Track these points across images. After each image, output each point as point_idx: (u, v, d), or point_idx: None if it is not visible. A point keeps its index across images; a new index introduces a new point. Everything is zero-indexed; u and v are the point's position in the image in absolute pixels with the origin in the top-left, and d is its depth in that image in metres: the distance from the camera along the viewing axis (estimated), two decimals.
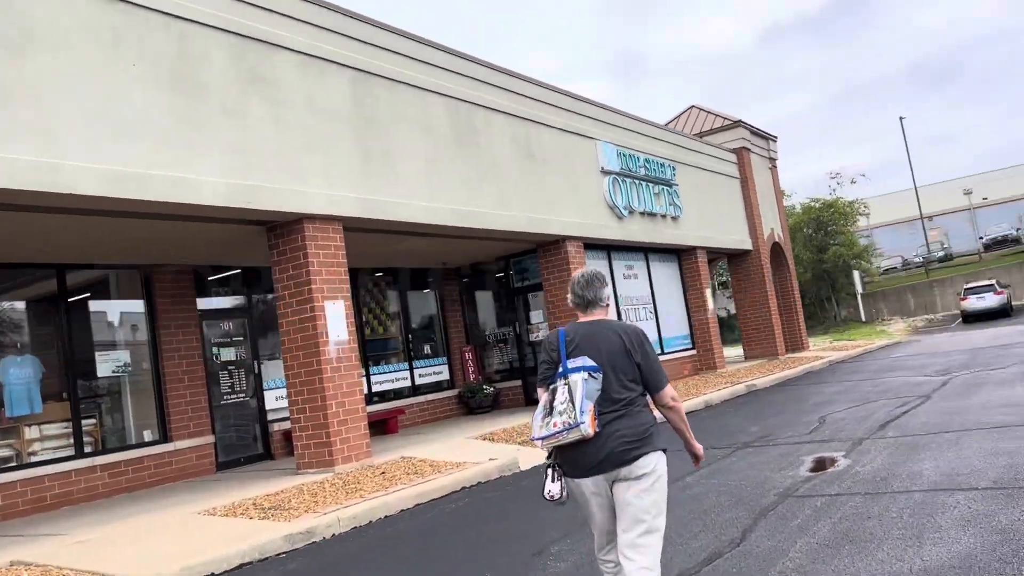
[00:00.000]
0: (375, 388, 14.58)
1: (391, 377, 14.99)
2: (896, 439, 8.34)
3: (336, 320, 9.98)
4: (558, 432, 3.39)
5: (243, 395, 12.31)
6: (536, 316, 16.47)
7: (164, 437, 11.17)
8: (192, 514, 8.02)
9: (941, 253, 54.83)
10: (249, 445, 12.32)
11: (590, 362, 3.49)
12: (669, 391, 3.70)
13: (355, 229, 10.99)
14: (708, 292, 20.30)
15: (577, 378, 3.43)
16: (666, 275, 19.82)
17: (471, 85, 13.00)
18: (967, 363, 15.73)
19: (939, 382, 13.12)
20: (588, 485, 3.51)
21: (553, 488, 3.56)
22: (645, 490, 3.48)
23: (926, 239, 54.22)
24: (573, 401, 3.37)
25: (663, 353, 18.86)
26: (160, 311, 11.33)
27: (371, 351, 14.75)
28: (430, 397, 15.67)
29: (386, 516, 7.78)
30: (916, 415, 9.84)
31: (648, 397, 3.69)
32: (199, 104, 8.78)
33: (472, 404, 15.95)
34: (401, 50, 11.58)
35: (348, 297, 10.27)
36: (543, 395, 3.58)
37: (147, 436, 11.09)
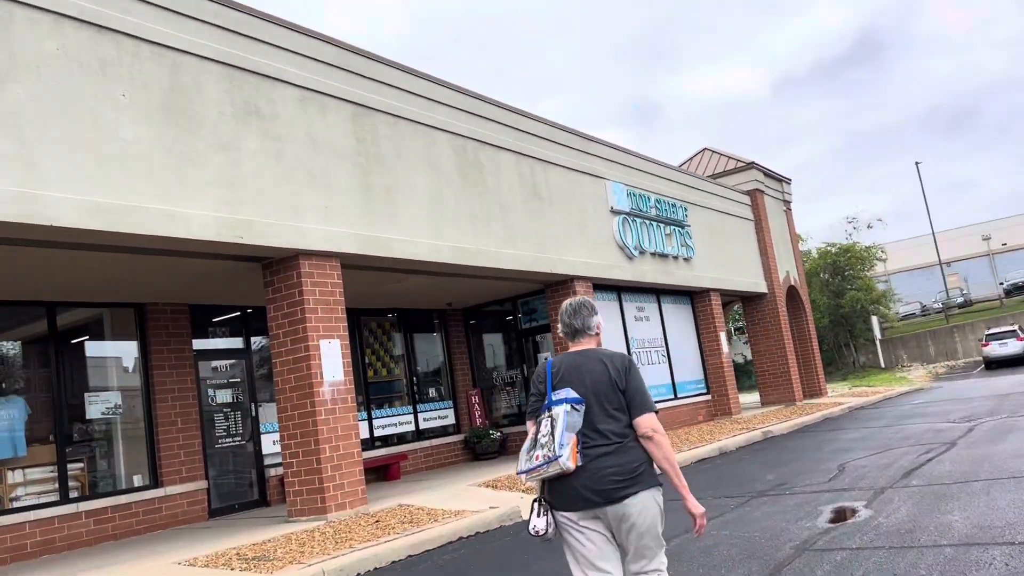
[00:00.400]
0: (377, 432, 14.14)
1: (394, 421, 14.56)
2: (921, 488, 7.81)
3: (332, 360, 9.61)
4: (539, 465, 3.31)
5: (239, 439, 11.91)
6: (542, 358, 16.05)
7: (155, 482, 10.76)
8: (172, 564, 7.58)
9: (960, 299, 53.99)
10: (244, 491, 11.88)
11: (573, 394, 3.41)
12: (649, 420, 3.43)
13: (354, 267, 10.68)
14: (723, 335, 19.81)
15: (559, 411, 3.36)
16: (679, 317, 19.38)
17: (477, 123, 12.78)
18: (993, 409, 15.11)
19: (964, 429, 12.54)
20: (573, 519, 3.39)
21: (538, 523, 3.41)
22: (640, 534, 3.36)
23: (945, 284, 53.46)
24: (553, 434, 3.31)
25: (676, 398, 18.33)
26: (154, 351, 11.00)
27: (374, 394, 14.35)
28: (435, 442, 15.19)
29: (376, 568, 7.30)
30: (941, 463, 9.29)
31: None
32: (191, 137, 8.55)
33: (478, 450, 15.45)
34: (404, 86, 11.39)
35: (345, 336, 9.91)
36: (531, 428, 3.50)
37: (137, 481, 10.68)
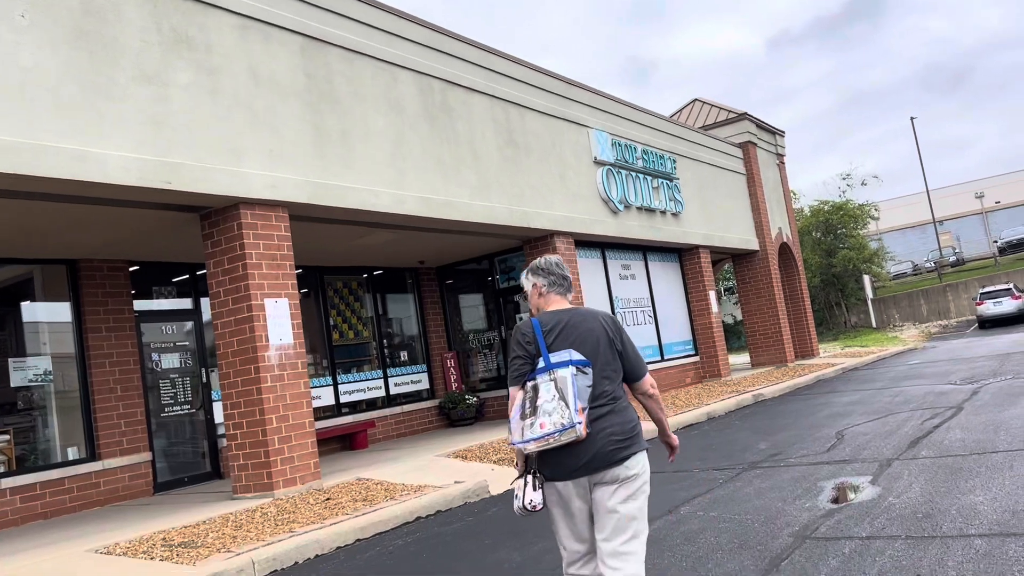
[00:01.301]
0: (344, 399, 13.24)
1: (363, 386, 13.65)
2: (933, 461, 6.96)
3: (279, 321, 8.65)
4: (549, 434, 3.02)
5: (188, 407, 10.98)
6: (521, 319, 15.14)
7: (91, 455, 9.84)
8: (86, 552, 6.68)
9: (953, 258, 53.26)
10: (195, 463, 10.99)
11: (577, 355, 3.18)
12: (649, 379, 3.46)
13: (307, 218, 9.68)
14: (712, 294, 18.93)
15: (565, 373, 3.10)
16: (666, 276, 18.45)
17: (446, 61, 11.69)
18: (995, 370, 14.32)
19: (968, 391, 11.73)
20: (571, 488, 3.17)
21: (535, 497, 3.17)
22: (632, 495, 3.18)
23: (938, 243, 52.71)
24: (565, 400, 3.04)
25: (663, 359, 17.49)
26: (88, 313, 10.01)
27: (340, 357, 13.42)
28: (407, 408, 14.31)
29: (317, 555, 6.43)
30: (950, 430, 8.46)
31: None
32: (109, 67, 7.48)
33: (453, 416, 14.60)
34: (361, 17, 10.28)
35: (295, 295, 8.95)
36: (517, 394, 3.21)
37: (72, 454, 9.76)
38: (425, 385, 14.98)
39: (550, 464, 3.16)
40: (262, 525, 7.05)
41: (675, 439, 3.64)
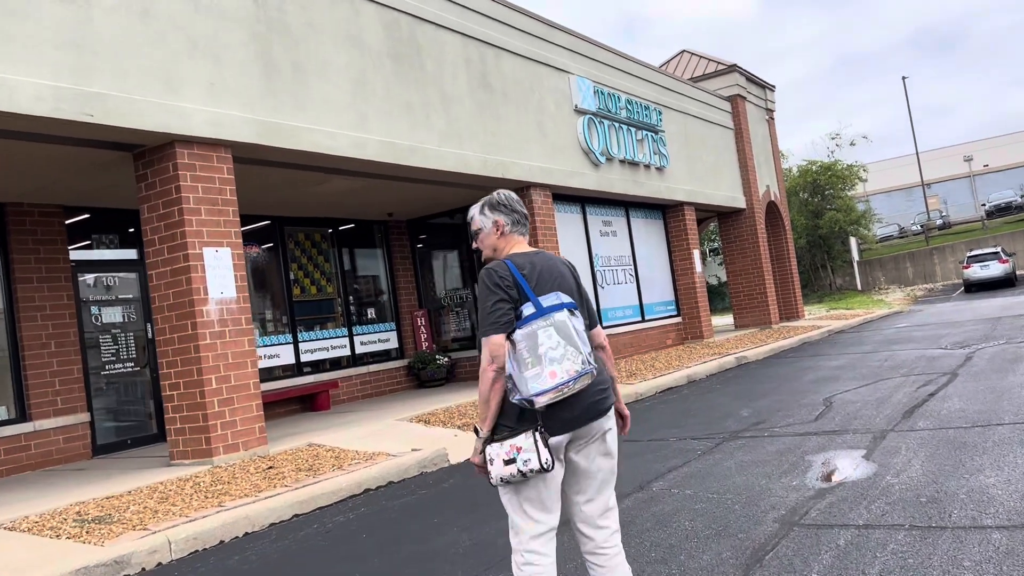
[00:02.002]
0: (305, 357, 12.50)
1: (326, 345, 12.91)
2: (932, 433, 6.33)
3: (220, 272, 7.87)
4: (563, 383, 2.72)
5: (132, 365, 10.22)
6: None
7: (21, 416, 9.09)
8: None
9: (940, 221, 52.81)
10: (140, 424, 10.26)
11: (566, 298, 2.91)
12: (601, 330, 3.17)
13: (254, 160, 8.85)
14: (696, 253, 18.24)
15: (563, 317, 2.82)
16: (649, 233, 17.72)
17: None
18: (987, 335, 13.77)
19: (961, 356, 11.15)
20: (562, 442, 2.87)
21: (546, 455, 2.76)
22: (610, 448, 2.98)
23: (926, 205, 52.23)
24: (575, 344, 2.76)
25: (643, 320, 16.84)
26: (17, 262, 9.18)
27: (301, 314, 12.66)
28: (373, 368, 13.60)
29: (246, 533, 5.75)
30: (947, 398, 7.85)
31: None
32: None
33: (423, 376, 13.92)
34: None
35: (238, 244, 8.15)
36: (502, 345, 2.81)
37: (0, 415, 9.00)
38: (394, 344, 14.26)
39: (550, 419, 2.82)
40: (191, 497, 6.35)
41: (626, 409, 3.20)
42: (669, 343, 17.47)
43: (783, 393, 9.75)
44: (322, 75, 9.24)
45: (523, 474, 2.75)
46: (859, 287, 39.98)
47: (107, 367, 9.98)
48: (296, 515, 6.11)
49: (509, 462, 2.76)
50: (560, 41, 13.92)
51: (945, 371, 9.86)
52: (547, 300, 2.86)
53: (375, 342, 13.87)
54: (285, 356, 12.15)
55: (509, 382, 2.77)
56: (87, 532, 5.57)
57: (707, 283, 23.78)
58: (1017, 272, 34.60)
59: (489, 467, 2.81)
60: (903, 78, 51.47)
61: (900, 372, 10.32)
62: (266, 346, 11.89)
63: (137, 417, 10.21)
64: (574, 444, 2.89)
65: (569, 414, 2.82)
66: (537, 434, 2.76)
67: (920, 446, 5.92)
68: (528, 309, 2.84)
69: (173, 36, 7.68)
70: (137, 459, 8.95)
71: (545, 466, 2.73)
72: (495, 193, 3.15)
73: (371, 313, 14.02)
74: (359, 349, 13.49)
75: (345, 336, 13.29)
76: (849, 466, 5.62)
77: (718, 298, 37.96)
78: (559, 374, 2.71)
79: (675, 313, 18.13)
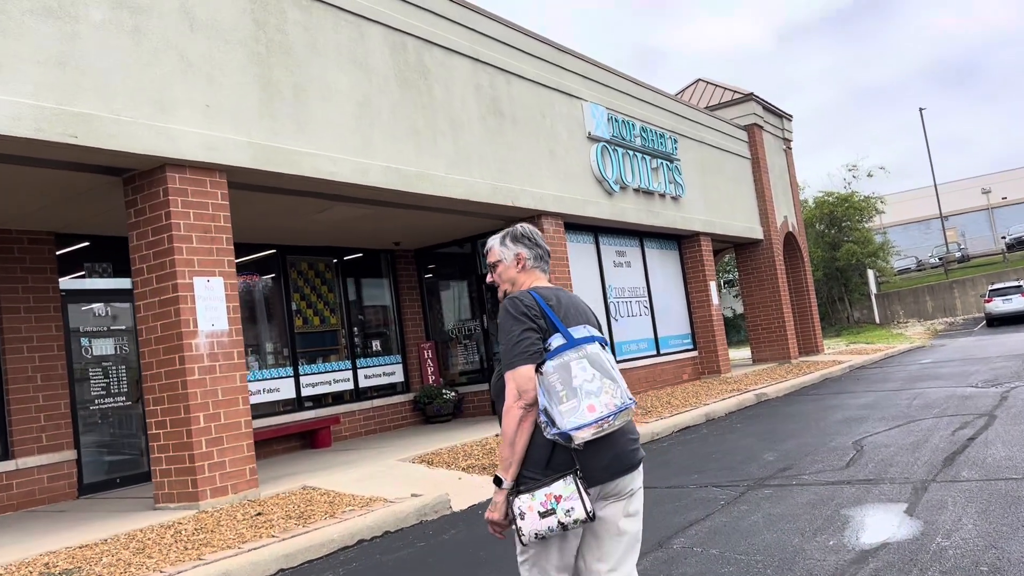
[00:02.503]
0: (306, 392, 12.02)
1: (328, 378, 12.43)
2: (980, 485, 5.77)
3: (211, 303, 7.43)
4: (603, 418, 2.44)
5: (124, 399, 9.77)
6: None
7: (4, 453, 8.63)
8: None
9: (958, 254, 52.05)
10: (131, 461, 9.78)
11: (596, 332, 2.68)
12: None
13: (251, 186, 8.45)
14: (713, 285, 17.71)
15: (596, 349, 2.58)
16: (664, 264, 17.23)
17: (421, 16, 10.43)
18: (1019, 372, 13.15)
19: (995, 396, 10.54)
20: (593, 497, 2.54)
21: (588, 504, 2.45)
22: (638, 510, 2.68)
23: (945, 237, 51.49)
24: (612, 377, 2.51)
25: (658, 354, 16.28)
26: (3, 291, 8.78)
27: (303, 346, 12.20)
28: (377, 403, 13.10)
29: None
30: (989, 444, 7.26)
31: None
32: None
33: (429, 411, 13.40)
34: None
35: (232, 273, 7.72)
36: (531, 378, 2.53)
37: None
38: (399, 378, 13.77)
39: (586, 465, 2.56)
40: (169, 548, 5.84)
41: None
42: (685, 378, 16.89)
43: (809, 435, 9.18)
44: (325, 98, 8.87)
45: (563, 526, 2.45)
46: (877, 320, 39.24)
47: (97, 401, 9.53)
48: (281, 570, 5.59)
49: (546, 514, 2.45)
50: (573, 67, 13.57)
51: (981, 412, 9.27)
52: (578, 332, 2.64)
53: (380, 375, 13.38)
54: (285, 390, 11.68)
55: (543, 416, 2.50)
56: None
57: (723, 315, 23.27)
58: None
59: (519, 522, 2.48)
60: (920, 109, 51.09)
61: (932, 412, 9.73)
62: (266, 379, 11.43)
63: (128, 454, 9.73)
64: (601, 501, 2.61)
65: (599, 463, 2.56)
66: (578, 479, 2.49)
67: (968, 500, 5.36)
68: (557, 340, 2.60)
69: (166, 55, 7.32)
70: (123, 500, 8.46)
71: (591, 515, 2.46)
72: (518, 225, 2.96)
73: (376, 345, 13.55)
74: (363, 383, 13.00)
75: (348, 369, 12.82)
76: (892, 523, 5.06)
77: (733, 331, 37.30)
78: (598, 408, 2.47)
79: (691, 347, 17.56)
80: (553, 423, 2.48)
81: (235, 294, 7.70)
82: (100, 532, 6.53)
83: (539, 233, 2.96)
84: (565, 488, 2.47)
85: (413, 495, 7.19)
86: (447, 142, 10.57)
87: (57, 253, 9.37)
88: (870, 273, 38.69)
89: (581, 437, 2.46)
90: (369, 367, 13.20)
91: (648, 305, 16.34)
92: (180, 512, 7.04)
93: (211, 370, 7.36)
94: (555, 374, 2.54)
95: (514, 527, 2.52)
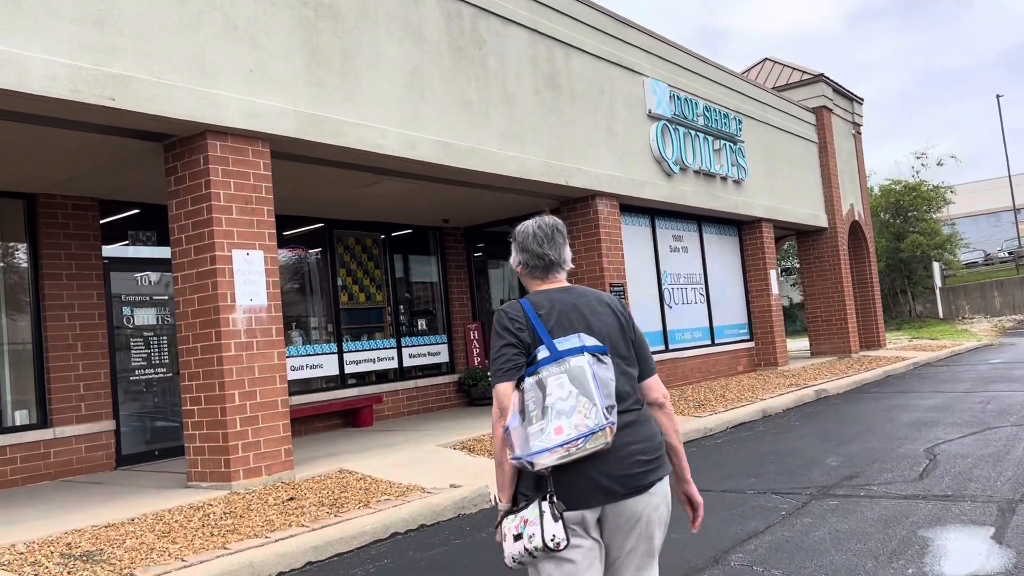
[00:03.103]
0: (349, 369, 11.78)
1: (372, 356, 12.18)
2: None
3: (250, 277, 7.15)
4: (569, 441, 2.24)
5: (164, 371, 9.62)
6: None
7: (42, 421, 8.53)
8: None
9: None
10: (170, 434, 9.63)
11: (591, 340, 2.45)
12: (659, 382, 2.65)
13: (295, 157, 8.14)
14: (773, 273, 17.01)
15: (581, 362, 2.35)
16: (723, 250, 16.58)
17: None
18: None
19: None
20: (587, 518, 2.37)
21: (556, 530, 2.27)
22: (657, 531, 2.46)
23: (1017, 230, 49.35)
24: (588, 394, 2.28)
25: (713, 344, 15.70)
26: (46, 256, 8.65)
27: (348, 323, 11.95)
28: (421, 383, 12.82)
29: None
30: None
31: None
32: None
33: (474, 394, 13.08)
34: None
35: (273, 247, 7.43)
36: (511, 394, 2.39)
37: (20, 419, 8.46)
38: (444, 358, 13.46)
39: (562, 487, 2.36)
40: (196, 533, 5.59)
41: (698, 494, 2.67)
42: (740, 369, 16.28)
43: (875, 438, 8.59)
44: (374, 67, 8.49)
45: (530, 553, 2.31)
46: (941, 315, 37.79)
47: (137, 372, 9.39)
48: (309, 563, 5.29)
49: (518, 538, 2.34)
50: (635, 41, 12.97)
51: None
52: (565, 343, 2.45)
53: (424, 355, 13.09)
54: (329, 366, 11.45)
55: (508, 439, 2.34)
56: (69, 573, 4.84)
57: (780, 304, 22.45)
58: None
59: (504, 544, 2.39)
60: (997, 96, 48.85)
61: (1010, 420, 9.06)
62: (308, 355, 11.21)
63: (167, 426, 9.59)
64: (606, 525, 2.42)
65: (588, 484, 2.36)
66: (545, 504, 2.33)
67: None
68: (542, 353, 2.43)
69: (209, 17, 7.01)
70: (159, 474, 8.30)
71: (550, 543, 2.28)
72: (527, 222, 2.69)
73: (422, 324, 13.25)
74: (407, 362, 12.73)
75: (393, 347, 12.54)
76: (979, 551, 4.54)
77: (789, 320, 36.26)
78: (565, 430, 2.27)
79: (747, 337, 16.92)
80: (513, 447, 2.33)
81: (275, 268, 7.41)
82: (129, 510, 6.33)
83: (543, 235, 2.65)
84: (531, 512, 2.35)
85: (452, 485, 6.85)
86: (500, 117, 10.13)
87: (102, 221, 9.19)
88: (935, 266, 37.22)
89: (542, 463, 2.28)
90: (414, 346, 12.92)
91: (704, 292, 15.74)
92: (211, 492, 6.81)
93: (248, 346, 7.10)
94: (530, 392, 2.38)
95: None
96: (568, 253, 2.70)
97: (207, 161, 7.01)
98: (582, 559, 2.36)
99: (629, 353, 2.58)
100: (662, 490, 2.48)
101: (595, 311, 2.57)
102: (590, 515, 2.38)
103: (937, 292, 38.09)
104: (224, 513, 6.07)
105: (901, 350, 20.68)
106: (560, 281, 2.67)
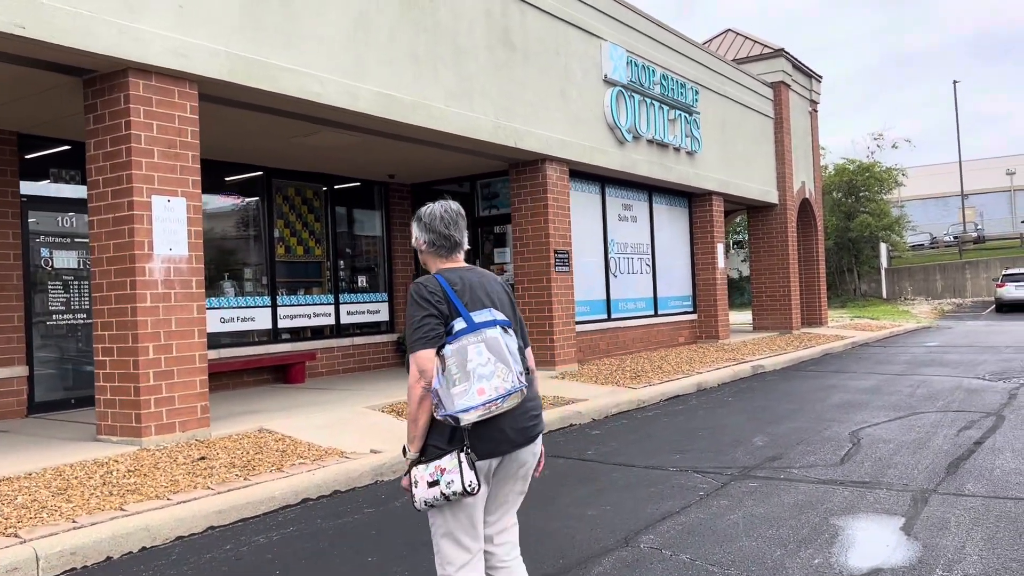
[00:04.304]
0: (283, 324, 11.49)
1: (307, 311, 11.89)
2: (985, 503, 5.22)
3: (170, 225, 6.82)
4: (491, 400, 2.66)
5: (85, 316, 9.24)
6: (502, 254, 13.31)
7: None
8: None
9: (974, 234, 50.99)
10: (88, 382, 9.27)
11: (500, 315, 2.89)
12: (530, 351, 3.12)
13: (226, 101, 7.76)
14: (720, 247, 17.03)
15: (495, 333, 2.78)
16: (672, 222, 16.52)
17: None
18: None
19: (1004, 392, 9.99)
20: (491, 465, 2.85)
21: (472, 478, 2.69)
22: (529, 476, 3.00)
23: (963, 216, 50.42)
24: (505, 361, 2.72)
25: (656, 315, 15.71)
26: None
27: (283, 275, 11.63)
28: (359, 341, 12.59)
29: (144, 548, 4.74)
30: (998, 451, 6.71)
31: None
32: None
33: None
34: None
35: (196, 195, 7.09)
36: (431, 360, 2.74)
37: None
38: (384, 317, 13.23)
39: (478, 439, 2.76)
40: (94, 491, 5.35)
41: (542, 450, 3.09)
42: (682, 341, 16.35)
43: (803, 418, 8.64)
44: (317, 12, 8.11)
45: (446, 497, 2.69)
46: (885, 295, 38.56)
47: (55, 316, 9.00)
48: (211, 528, 5.10)
49: (432, 484, 2.71)
50: (595, 2, 12.66)
51: (988, 410, 8.72)
52: (479, 316, 2.82)
53: (363, 312, 12.84)
54: (261, 320, 11.15)
55: (435, 398, 2.68)
56: None
57: (728, 276, 22.72)
58: None
59: (413, 490, 2.75)
60: (954, 82, 49.47)
61: (936, 405, 9.19)
62: (240, 307, 10.89)
63: (87, 374, 9.23)
64: (503, 468, 2.88)
65: (499, 436, 2.78)
66: (462, 455, 2.71)
67: (974, 523, 4.81)
68: (459, 324, 2.78)
69: None
70: (71, 424, 7.99)
71: (469, 488, 2.67)
72: (429, 205, 3.02)
73: (362, 281, 12.98)
74: (344, 319, 12.47)
75: (331, 303, 12.26)
76: (886, 543, 4.52)
77: (736, 293, 36.69)
78: (487, 391, 2.66)
79: (691, 309, 16.97)
80: (442, 405, 2.64)
81: (199, 217, 7.08)
82: (29, 463, 6.05)
83: (449, 218, 2.99)
84: (450, 462, 2.69)
85: (373, 451, 6.69)
86: (449, 72, 9.81)
87: (25, 157, 8.71)
88: (883, 247, 37.86)
89: (467, 419, 2.65)
90: (353, 303, 12.66)
91: (651, 263, 15.69)
92: (120, 447, 6.55)
93: (166, 298, 6.79)
94: (452, 357, 2.70)
95: (408, 494, 2.77)
96: (466, 235, 3.08)
97: (128, 100, 6.62)
98: (479, 501, 2.81)
99: (517, 327, 3.02)
100: (540, 439, 2.99)
101: (495, 290, 2.98)
102: (494, 463, 2.82)
103: (882, 272, 38.82)
104: (128, 471, 5.83)
105: (842, 328, 21.00)
106: (460, 261, 3.02)
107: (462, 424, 2.67)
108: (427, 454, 2.78)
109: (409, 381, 2.78)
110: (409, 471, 2.80)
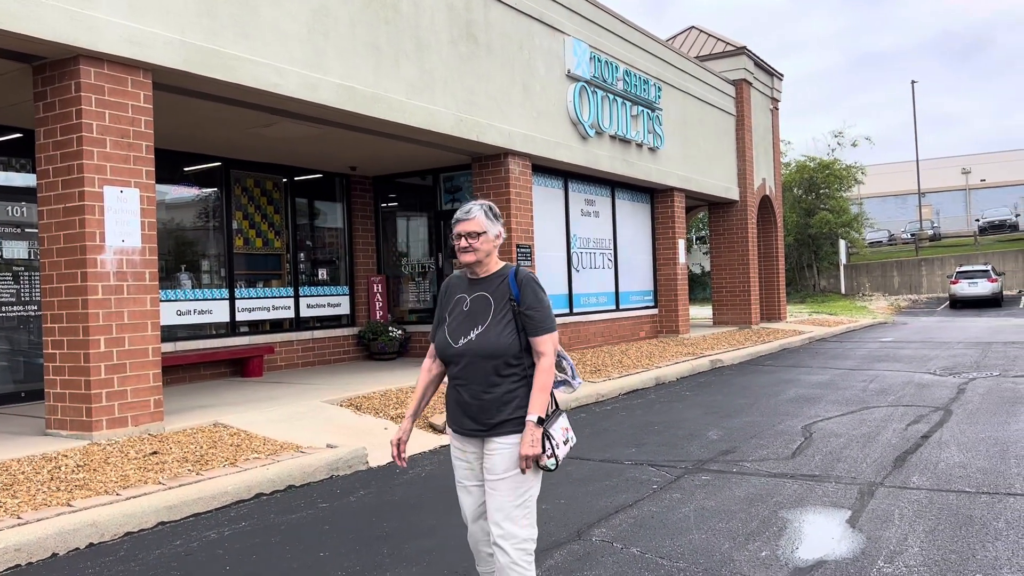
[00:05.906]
0: (241, 316, 11.37)
1: (266, 304, 11.78)
2: (929, 496, 5.35)
3: (122, 216, 6.71)
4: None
5: (36, 308, 9.06)
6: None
7: None
8: None
9: (931, 231, 52.08)
10: (39, 376, 9.09)
11: None
12: None
13: (181, 91, 7.65)
14: (681, 243, 17.19)
15: None
16: (634, 217, 16.63)
17: None
18: (978, 362, 12.89)
19: (953, 387, 10.23)
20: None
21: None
22: None
23: (920, 214, 51.43)
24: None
25: (617, 309, 15.81)
26: None
27: (241, 268, 11.49)
28: (319, 334, 12.50)
29: (92, 545, 4.68)
30: (943, 445, 6.88)
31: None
32: None
33: (374, 348, 12.84)
34: None
35: (150, 186, 6.99)
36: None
37: None
38: (345, 310, 13.15)
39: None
40: (41, 486, 5.27)
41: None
42: (642, 335, 16.48)
43: (758, 412, 8.77)
44: (276, 1, 8.01)
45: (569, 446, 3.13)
46: (843, 291, 39.22)
47: (5, 308, 8.81)
48: (162, 523, 5.04)
49: (565, 443, 3.06)
50: None
51: (937, 405, 8.92)
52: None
53: (324, 306, 12.75)
54: (219, 312, 11.02)
55: (570, 370, 3.17)
56: None
57: (689, 271, 22.98)
58: (1004, 292, 33.95)
59: (557, 451, 2.97)
60: (912, 82, 50.49)
61: (887, 400, 9.38)
62: (198, 300, 10.75)
63: (37, 367, 9.05)
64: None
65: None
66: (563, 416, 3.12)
67: (917, 515, 4.93)
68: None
69: None
70: (19, 418, 7.84)
71: (573, 444, 3.14)
72: (485, 201, 3.22)
73: (323, 274, 12.88)
74: (304, 312, 12.38)
75: (290, 296, 12.16)
76: (832, 535, 4.62)
77: (699, 287, 37.09)
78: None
79: (652, 304, 17.11)
80: (576, 375, 3.20)
81: (152, 208, 6.98)
82: None
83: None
84: (566, 420, 3.12)
85: (329, 445, 6.66)
86: (410, 64, 9.77)
87: None
88: (841, 243, 38.49)
89: (578, 387, 3.22)
90: (313, 296, 12.56)
91: (612, 258, 15.79)
92: (70, 442, 6.45)
93: (118, 290, 6.69)
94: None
95: (548, 456, 2.96)
96: None
97: (79, 88, 6.49)
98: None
99: None
100: None
101: None
102: None
103: (841, 269, 39.47)
104: (77, 466, 5.74)
105: (800, 324, 21.33)
106: None
107: (574, 391, 3.25)
108: (551, 418, 3.02)
109: (551, 360, 3.03)
110: (543, 439, 2.94)
